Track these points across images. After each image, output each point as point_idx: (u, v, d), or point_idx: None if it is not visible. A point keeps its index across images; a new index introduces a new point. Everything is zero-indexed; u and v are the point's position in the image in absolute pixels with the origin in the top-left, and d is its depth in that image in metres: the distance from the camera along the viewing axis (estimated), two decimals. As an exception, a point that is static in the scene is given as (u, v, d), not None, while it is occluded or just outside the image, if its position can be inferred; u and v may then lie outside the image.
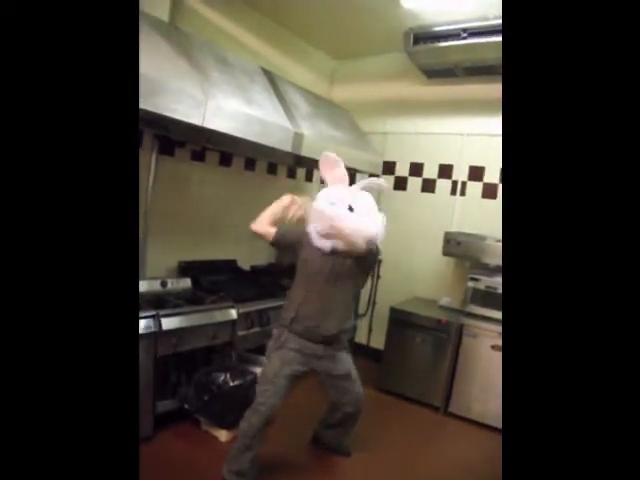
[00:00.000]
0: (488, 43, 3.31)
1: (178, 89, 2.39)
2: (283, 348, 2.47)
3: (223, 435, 2.88)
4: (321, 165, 2.45)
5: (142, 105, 2.20)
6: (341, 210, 2.29)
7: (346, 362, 2.64)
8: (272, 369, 2.46)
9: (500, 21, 3.18)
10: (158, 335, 2.68)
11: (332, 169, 2.43)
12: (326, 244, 2.34)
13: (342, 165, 2.43)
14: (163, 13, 2.88)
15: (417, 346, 3.78)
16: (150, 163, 3.24)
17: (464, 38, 3.38)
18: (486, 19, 3.24)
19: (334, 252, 2.37)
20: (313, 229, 2.35)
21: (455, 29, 3.40)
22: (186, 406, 2.93)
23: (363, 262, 2.45)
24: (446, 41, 3.49)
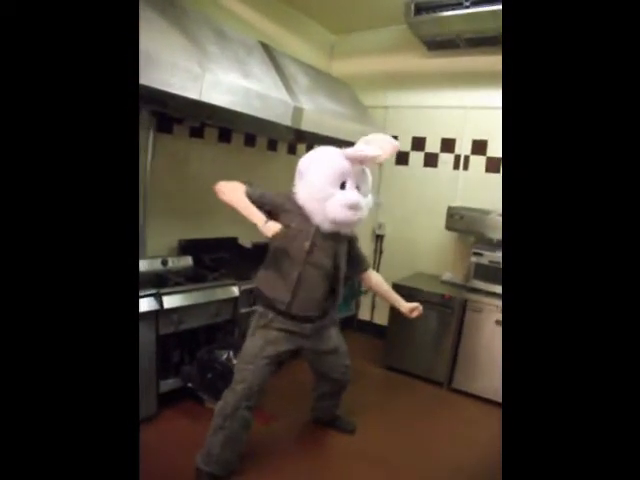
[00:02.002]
0: (490, 12, 3.22)
1: (174, 63, 2.33)
2: (268, 327, 2.32)
3: (227, 412, 2.89)
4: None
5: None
6: (357, 195, 2.22)
7: (335, 337, 2.58)
8: (254, 348, 2.31)
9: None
10: (160, 314, 2.67)
11: (365, 160, 2.24)
12: (330, 226, 2.23)
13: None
14: (157, -15, 2.80)
15: (421, 322, 3.75)
16: (148, 141, 3.19)
17: (467, 7, 3.28)
18: (489, -13, 3.15)
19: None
20: (320, 214, 2.20)
21: (457, -3, 3.31)
22: (189, 384, 2.93)
23: (344, 242, 2.41)
24: (448, 10, 3.39)
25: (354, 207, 2.20)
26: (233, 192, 2.25)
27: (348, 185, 2.22)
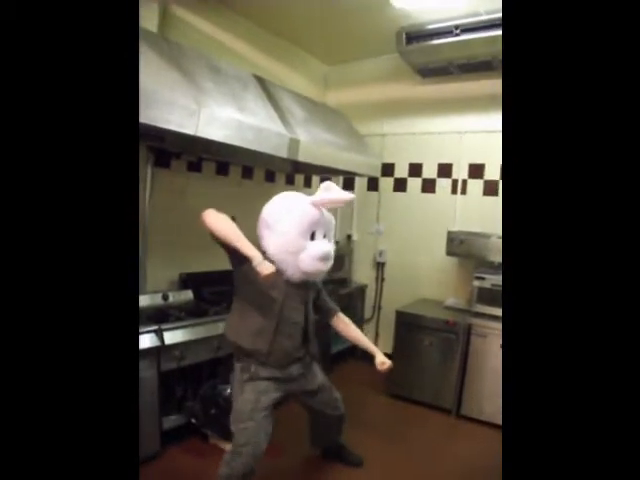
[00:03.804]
0: (481, 39, 3.28)
1: (170, 100, 2.36)
2: (254, 379, 2.24)
3: (232, 448, 2.84)
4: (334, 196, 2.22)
5: (134, 117, 2.18)
6: (327, 245, 2.21)
7: (319, 375, 2.55)
8: (248, 404, 2.21)
9: (492, 16, 3.15)
10: (161, 350, 2.65)
11: (331, 202, 2.23)
12: (301, 276, 2.20)
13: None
14: (152, 24, 2.86)
15: (425, 349, 3.72)
16: (146, 176, 3.21)
17: (457, 35, 3.34)
18: (478, 15, 3.21)
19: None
20: (291, 265, 2.15)
21: (447, 26, 3.36)
22: (193, 420, 2.88)
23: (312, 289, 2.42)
24: (439, 39, 3.45)
25: (325, 258, 2.18)
26: (224, 220, 2.13)
27: (317, 234, 2.19)
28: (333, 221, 2.34)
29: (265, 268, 2.01)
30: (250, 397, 2.22)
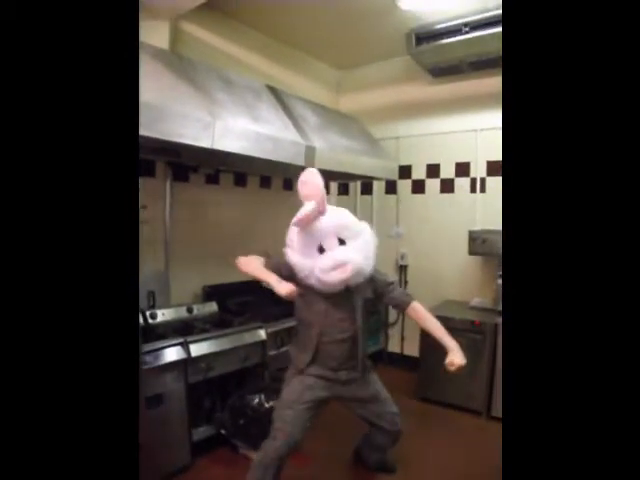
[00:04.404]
0: (490, 35, 3.25)
1: (184, 113, 2.39)
2: (304, 374, 2.33)
3: (262, 458, 2.83)
4: (308, 189, 2.16)
5: (150, 133, 2.21)
6: (335, 255, 2.12)
7: (373, 383, 2.50)
8: (292, 394, 2.31)
9: (500, 11, 3.12)
10: (188, 362, 2.67)
11: (319, 196, 2.12)
12: (338, 287, 2.19)
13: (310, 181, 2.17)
14: (163, 42, 2.90)
15: (452, 350, 3.68)
16: (165, 191, 3.26)
17: (466, 32, 3.33)
18: (486, 10, 3.19)
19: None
20: (317, 282, 2.16)
21: (456, 24, 3.35)
22: (222, 431, 2.89)
23: (366, 288, 2.35)
24: (448, 38, 3.44)
25: (336, 267, 2.10)
26: (250, 263, 2.32)
27: (326, 244, 2.14)
28: (343, 220, 2.22)
29: (282, 288, 2.09)
30: (295, 389, 2.32)
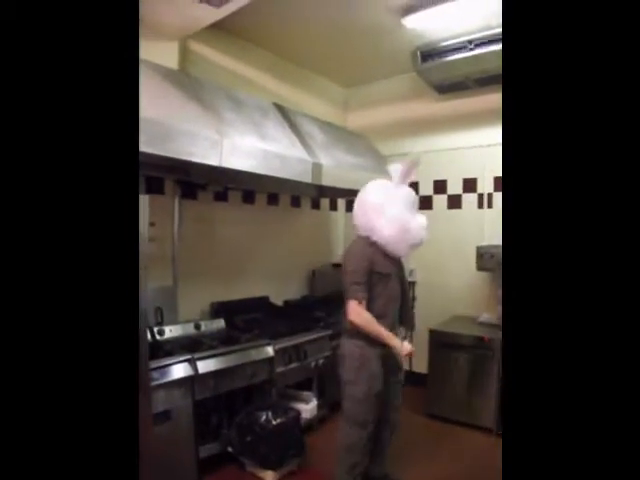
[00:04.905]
0: (495, 51, 3.28)
1: (192, 132, 2.43)
2: (365, 369, 2.41)
3: (269, 476, 2.80)
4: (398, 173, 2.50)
5: (159, 151, 2.25)
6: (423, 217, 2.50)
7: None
8: (361, 391, 2.41)
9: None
10: (195, 379, 2.67)
11: (409, 175, 2.52)
12: (409, 251, 2.51)
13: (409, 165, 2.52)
14: (172, 62, 2.96)
15: (461, 366, 3.65)
16: (174, 208, 3.29)
17: (471, 49, 3.36)
18: (490, 28, 3.23)
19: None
20: (407, 240, 2.43)
21: (461, 42, 3.39)
22: (229, 449, 2.88)
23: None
24: (453, 55, 3.48)
25: (426, 227, 2.48)
26: (372, 322, 2.37)
27: (412, 212, 2.47)
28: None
29: (405, 349, 2.40)
30: (364, 387, 2.41)
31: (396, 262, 2.54)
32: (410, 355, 2.44)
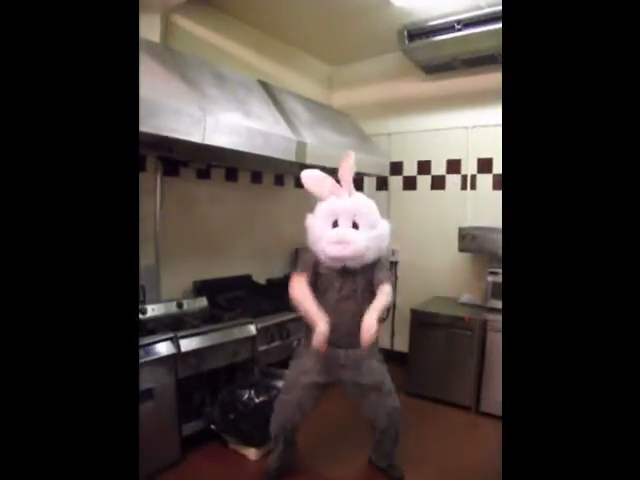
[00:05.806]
0: (483, 32, 3.27)
1: (175, 108, 2.38)
2: (302, 357, 2.47)
3: (252, 453, 2.84)
4: (307, 185, 2.43)
5: (142, 127, 2.20)
6: (344, 231, 2.32)
7: (377, 373, 2.50)
8: (289, 378, 2.52)
9: (493, 9, 3.14)
10: (178, 357, 2.67)
11: (320, 185, 2.41)
12: (337, 263, 2.35)
13: (327, 177, 2.42)
14: (154, 35, 2.88)
15: (442, 346, 3.71)
16: (156, 185, 3.24)
17: (459, 30, 3.34)
18: (479, 8, 3.20)
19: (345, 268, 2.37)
20: (321, 252, 2.35)
21: (449, 22, 3.36)
22: (212, 426, 2.90)
23: (370, 269, 2.44)
24: (441, 35, 3.45)
25: (341, 242, 2.27)
26: (306, 299, 2.34)
27: (341, 221, 2.33)
28: (363, 207, 2.39)
29: (317, 341, 2.18)
30: (292, 373, 2.50)
31: (339, 272, 2.38)
32: (321, 349, 2.20)
